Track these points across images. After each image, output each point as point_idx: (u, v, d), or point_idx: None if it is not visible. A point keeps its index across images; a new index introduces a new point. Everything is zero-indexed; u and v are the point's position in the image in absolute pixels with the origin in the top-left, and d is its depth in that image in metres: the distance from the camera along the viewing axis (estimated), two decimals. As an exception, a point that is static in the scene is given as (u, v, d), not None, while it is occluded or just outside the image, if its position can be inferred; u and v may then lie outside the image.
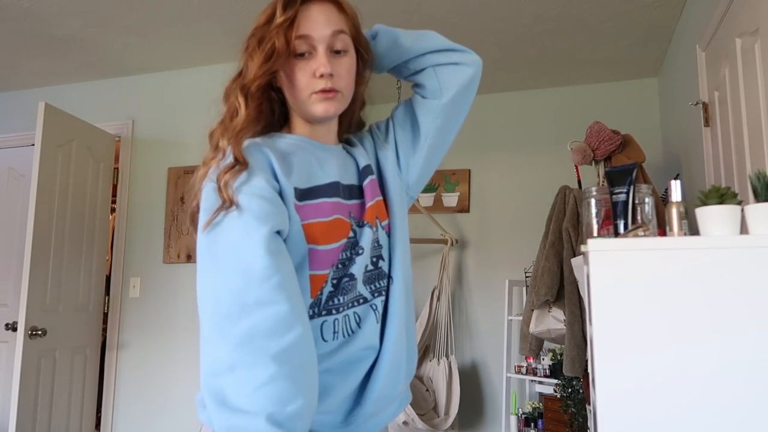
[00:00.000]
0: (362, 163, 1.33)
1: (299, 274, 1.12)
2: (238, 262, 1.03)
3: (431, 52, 1.36)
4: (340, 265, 1.18)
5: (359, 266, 1.21)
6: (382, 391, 1.22)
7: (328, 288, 1.16)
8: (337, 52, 1.23)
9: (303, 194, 1.16)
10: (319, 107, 1.22)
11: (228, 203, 1.06)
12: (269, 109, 1.26)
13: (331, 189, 1.21)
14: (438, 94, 1.36)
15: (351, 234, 1.20)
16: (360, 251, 1.21)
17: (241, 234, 1.04)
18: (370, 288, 1.24)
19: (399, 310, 1.26)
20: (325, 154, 1.27)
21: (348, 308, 1.19)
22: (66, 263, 3.89)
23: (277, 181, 1.13)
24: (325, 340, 1.15)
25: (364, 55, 1.32)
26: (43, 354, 3.67)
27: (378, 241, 1.26)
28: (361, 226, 1.23)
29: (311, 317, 1.13)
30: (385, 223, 1.30)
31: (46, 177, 3.72)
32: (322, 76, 1.20)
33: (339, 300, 1.18)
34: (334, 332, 1.16)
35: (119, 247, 4.31)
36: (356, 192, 1.28)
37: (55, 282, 3.79)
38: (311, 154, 1.24)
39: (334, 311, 1.17)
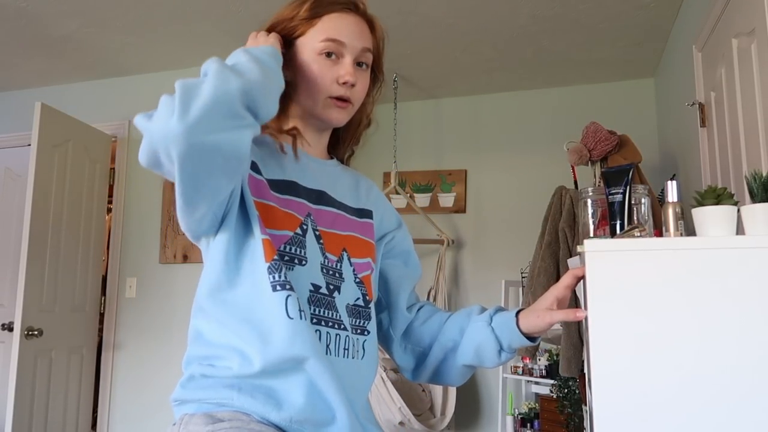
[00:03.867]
0: (363, 204, 1.39)
1: (250, 236, 1.14)
2: None
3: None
4: (278, 256, 1.16)
5: (304, 277, 1.19)
6: None
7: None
8: (359, 65, 1.28)
9: (276, 186, 1.19)
10: (332, 113, 1.26)
11: None
12: None
13: (290, 186, 1.23)
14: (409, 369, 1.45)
15: (298, 230, 1.20)
16: (303, 261, 1.19)
17: None
18: (319, 312, 1.21)
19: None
20: (306, 162, 1.30)
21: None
22: (62, 263, 3.89)
23: (259, 172, 1.17)
24: (291, 317, 1.11)
25: (378, 75, 1.37)
26: (39, 354, 3.67)
27: (340, 273, 1.25)
28: (317, 236, 1.23)
29: (274, 290, 1.12)
30: (359, 260, 1.30)
31: (43, 177, 3.71)
32: (345, 83, 1.24)
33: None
34: (300, 310, 1.12)
35: (115, 247, 4.30)
36: (334, 203, 1.31)
37: (52, 282, 3.79)
38: (287, 157, 1.27)
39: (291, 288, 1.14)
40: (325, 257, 1.23)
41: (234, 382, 1.11)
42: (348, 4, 1.28)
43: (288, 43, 1.26)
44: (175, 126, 0.93)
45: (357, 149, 1.46)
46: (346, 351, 1.21)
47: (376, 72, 1.36)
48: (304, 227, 1.21)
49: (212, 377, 1.14)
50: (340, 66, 1.24)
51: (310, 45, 1.24)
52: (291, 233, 1.18)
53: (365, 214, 1.37)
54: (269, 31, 1.26)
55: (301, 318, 1.11)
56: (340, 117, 1.27)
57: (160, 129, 0.94)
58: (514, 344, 1.28)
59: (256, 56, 1.08)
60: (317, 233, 1.23)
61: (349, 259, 1.28)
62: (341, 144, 1.42)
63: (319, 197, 1.28)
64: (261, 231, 1.13)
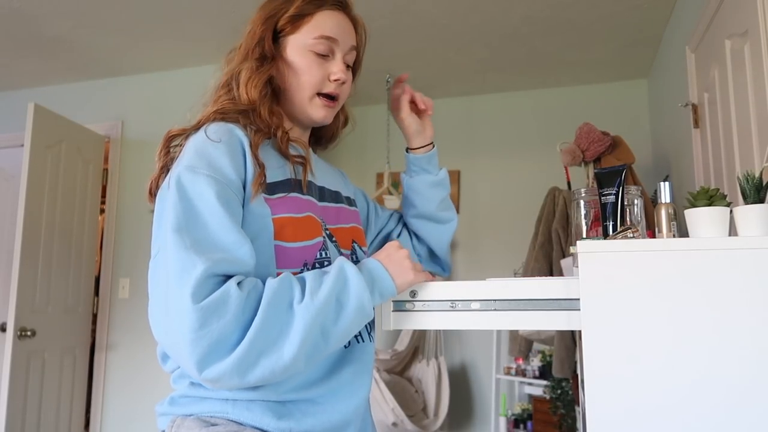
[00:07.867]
0: (349, 193, 1.42)
1: (267, 270, 1.08)
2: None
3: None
4: (317, 265, 1.14)
5: None
6: None
7: None
8: (347, 65, 1.29)
9: (272, 187, 1.13)
10: (320, 112, 1.26)
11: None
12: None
13: (300, 185, 1.19)
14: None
15: (325, 233, 1.19)
16: (326, 263, 1.16)
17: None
18: None
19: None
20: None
21: None
22: (55, 264, 3.88)
23: (245, 171, 1.11)
24: None
25: (356, 73, 1.38)
26: (32, 355, 3.66)
27: None
28: (329, 235, 1.21)
29: None
30: (365, 248, 1.33)
31: (36, 178, 3.70)
32: (337, 80, 1.25)
33: None
34: None
35: (108, 247, 4.29)
36: (334, 197, 1.31)
37: (45, 283, 3.78)
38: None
39: None
40: (341, 254, 1.21)
41: (229, 396, 1.07)
42: (338, 2, 1.28)
43: (274, 39, 1.26)
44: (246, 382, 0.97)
45: (333, 147, 1.48)
46: (359, 336, 1.22)
47: (355, 70, 1.36)
48: (326, 229, 1.20)
49: (207, 398, 1.09)
50: (332, 63, 1.25)
51: (301, 42, 1.24)
52: (321, 238, 1.17)
53: (352, 202, 1.39)
54: (259, 25, 1.27)
55: None
56: (327, 115, 1.28)
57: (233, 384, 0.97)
58: (422, 164, 1.61)
59: (364, 312, 1.05)
60: (328, 232, 1.21)
61: (360, 249, 1.30)
62: (320, 142, 1.45)
63: (321, 193, 1.26)
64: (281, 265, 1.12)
